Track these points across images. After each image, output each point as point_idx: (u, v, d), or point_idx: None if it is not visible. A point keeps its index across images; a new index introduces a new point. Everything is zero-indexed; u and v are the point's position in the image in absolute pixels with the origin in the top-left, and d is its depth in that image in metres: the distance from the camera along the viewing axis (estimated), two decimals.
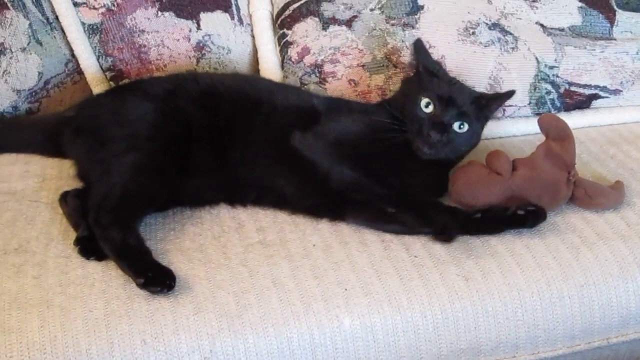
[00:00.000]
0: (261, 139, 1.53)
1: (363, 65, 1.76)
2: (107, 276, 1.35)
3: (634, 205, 1.51)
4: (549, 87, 1.78)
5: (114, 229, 1.39)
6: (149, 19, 1.83)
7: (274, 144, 1.53)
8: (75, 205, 1.50)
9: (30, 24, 1.82)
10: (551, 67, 1.78)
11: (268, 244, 1.43)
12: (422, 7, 1.79)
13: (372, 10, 1.79)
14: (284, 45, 1.83)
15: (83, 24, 1.84)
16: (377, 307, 1.32)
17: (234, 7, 1.88)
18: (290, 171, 1.51)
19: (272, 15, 1.88)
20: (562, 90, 1.79)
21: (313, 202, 1.51)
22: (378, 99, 1.75)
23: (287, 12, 1.83)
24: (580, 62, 1.79)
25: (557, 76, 1.78)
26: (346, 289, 1.33)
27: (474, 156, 1.57)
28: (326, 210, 1.50)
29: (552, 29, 1.80)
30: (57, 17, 1.85)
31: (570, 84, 1.79)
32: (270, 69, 1.86)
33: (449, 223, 1.43)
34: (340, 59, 1.77)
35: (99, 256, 1.40)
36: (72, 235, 1.44)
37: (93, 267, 1.37)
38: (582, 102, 1.81)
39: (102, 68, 1.85)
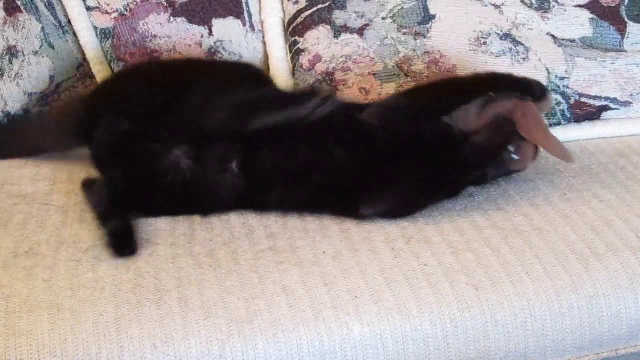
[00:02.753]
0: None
1: (374, 74, 1.76)
2: (117, 280, 1.35)
3: None
4: (560, 98, 1.78)
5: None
6: (161, 24, 1.84)
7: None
8: (103, 196, 1.51)
9: (42, 28, 1.83)
10: (562, 78, 1.78)
11: (278, 251, 1.43)
12: (433, 17, 1.80)
13: (384, 19, 1.80)
14: (295, 52, 1.84)
15: (95, 28, 1.85)
16: (386, 315, 1.32)
17: (246, 14, 1.89)
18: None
19: (283, 22, 1.89)
20: (572, 101, 1.79)
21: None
22: None
23: (299, 20, 1.84)
24: (590, 74, 1.79)
25: (568, 87, 1.78)
26: (356, 297, 1.33)
27: None
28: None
29: (563, 40, 1.80)
30: (69, 21, 1.86)
31: (581, 95, 1.79)
32: (282, 76, 1.86)
33: None
34: (352, 67, 1.77)
35: (132, 249, 1.42)
36: (84, 238, 1.45)
37: (104, 271, 1.37)
38: (592, 113, 1.81)
39: (113, 73, 1.86)
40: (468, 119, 1.51)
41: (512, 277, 1.37)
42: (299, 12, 1.85)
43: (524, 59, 1.77)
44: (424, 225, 1.49)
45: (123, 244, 1.42)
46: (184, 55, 1.84)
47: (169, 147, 1.50)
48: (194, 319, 1.28)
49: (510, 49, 1.77)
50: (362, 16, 1.80)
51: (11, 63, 1.78)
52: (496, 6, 1.80)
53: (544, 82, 1.76)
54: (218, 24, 1.87)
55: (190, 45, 1.85)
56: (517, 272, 1.38)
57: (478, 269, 1.38)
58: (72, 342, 1.25)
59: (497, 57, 1.77)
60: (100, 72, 1.86)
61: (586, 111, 1.80)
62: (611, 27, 1.82)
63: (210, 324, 1.28)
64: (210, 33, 1.87)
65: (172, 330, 1.27)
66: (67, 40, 1.86)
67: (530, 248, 1.43)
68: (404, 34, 1.78)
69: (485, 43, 1.77)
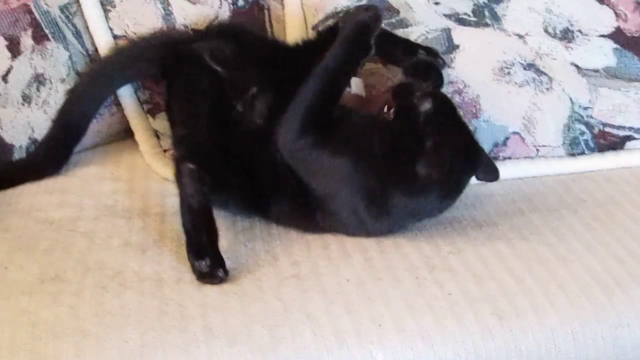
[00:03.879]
0: None
1: None
2: (142, 307, 1.36)
3: None
4: (583, 127, 1.78)
5: None
6: None
7: None
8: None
9: (70, 56, 1.85)
10: (585, 108, 1.78)
11: (302, 278, 1.44)
12: (457, 47, 1.80)
13: None
14: None
15: None
16: (410, 343, 1.32)
17: None
18: None
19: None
20: (596, 131, 1.79)
21: None
22: None
23: None
24: (614, 104, 1.79)
25: (591, 117, 1.78)
26: (380, 325, 1.33)
27: None
28: None
29: (586, 69, 1.80)
30: (96, 50, 1.87)
31: (604, 124, 1.79)
32: None
33: None
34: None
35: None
36: (109, 265, 1.46)
37: (129, 297, 1.38)
38: (615, 143, 1.81)
39: (139, 100, 1.87)
40: None
41: (535, 307, 1.37)
42: None
43: (547, 88, 1.77)
44: (448, 254, 1.50)
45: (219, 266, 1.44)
46: None
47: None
48: (218, 346, 1.29)
49: (534, 79, 1.77)
50: None
51: (38, 90, 1.80)
52: (520, 36, 1.81)
53: (567, 112, 1.77)
54: None
55: None
56: (541, 302, 1.38)
57: (502, 299, 1.38)
58: None
59: (520, 87, 1.77)
60: (126, 99, 1.87)
61: (610, 141, 1.80)
62: (635, 56, 1.82)
63: (234, 352, 1.28)
64: None
65: (196, 357, 1.27)
66: None
67: (554, 278, 1.43)
68: None
69: (508, 73, 1.77)
